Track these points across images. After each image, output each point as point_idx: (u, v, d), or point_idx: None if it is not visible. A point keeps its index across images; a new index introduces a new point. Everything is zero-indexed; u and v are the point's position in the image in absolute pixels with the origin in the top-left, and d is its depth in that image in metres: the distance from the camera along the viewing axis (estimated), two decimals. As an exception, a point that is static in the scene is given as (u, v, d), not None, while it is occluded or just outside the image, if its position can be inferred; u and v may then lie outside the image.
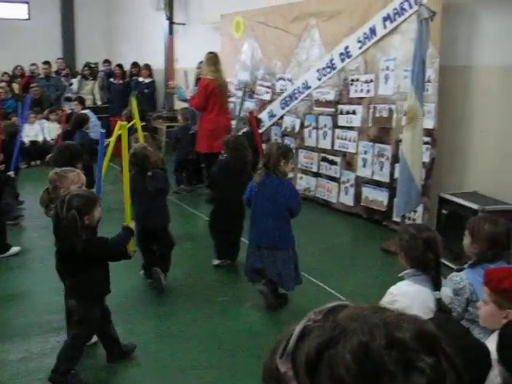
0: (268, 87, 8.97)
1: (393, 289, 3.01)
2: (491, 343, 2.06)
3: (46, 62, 13.36)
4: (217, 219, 5.48)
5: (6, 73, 13.45)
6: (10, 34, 15.52)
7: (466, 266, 3.23)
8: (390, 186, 6.75)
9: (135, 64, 13.85)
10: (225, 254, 5.59)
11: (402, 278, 3.05)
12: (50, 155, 4.99)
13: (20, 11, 16.56)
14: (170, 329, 4.44)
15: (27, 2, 16.60)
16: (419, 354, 0.71)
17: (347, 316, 0.76)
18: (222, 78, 7.85)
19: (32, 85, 12.46)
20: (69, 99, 12.63)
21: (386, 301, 2.98)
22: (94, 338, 4.01)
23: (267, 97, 8.96)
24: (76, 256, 3.47)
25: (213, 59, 7.78)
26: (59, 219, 3.52)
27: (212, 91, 7.62)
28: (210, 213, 5.72)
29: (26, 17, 16.71)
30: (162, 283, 4.94)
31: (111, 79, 13.97)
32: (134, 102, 5.96)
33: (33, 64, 13.69)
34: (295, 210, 4.59)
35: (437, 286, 2.99)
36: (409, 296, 2.92)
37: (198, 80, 9.46)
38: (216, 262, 5.61)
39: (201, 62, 12.05)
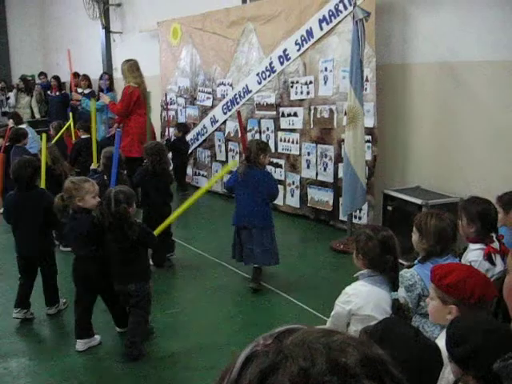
0: (209, 93, 8.94)
1: (348, 289, 3.01)
2: (441, 340, 2.08)
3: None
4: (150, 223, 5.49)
5: None
6: None
7: (416, 261, 3.27)
8: (335, 186, 6.82)
9: (76, 74, 13.57)
10: (170, 249, 6.01)
11: (356, 279, 3.06)
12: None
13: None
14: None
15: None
16: (362, 379, 0.69)
17: (292, 341, 0.74)
18: (144, 85, 7.83)
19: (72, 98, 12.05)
20: (5, 114, 12.27)
21: (340, 300, 3.00)
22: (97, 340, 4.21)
23: (208, 103, 8.92)
24: (132, 245, 3.98)
25: (134, 66, 7.75)
26: (102, 218, 3.99)
27: (137, 99, 7.63)
28: (141, 218, 5.65)
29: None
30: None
31: (48, 92, 13.66)
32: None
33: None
34: (275, 195, 5.43)
35: (394, 287, 3.01)
36: (363, 296, 2.93)
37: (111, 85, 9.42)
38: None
39: (42, 73, 12.02)
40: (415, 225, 3.31)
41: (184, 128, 9.16)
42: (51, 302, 4.86)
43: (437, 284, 2.42)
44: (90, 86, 12.96)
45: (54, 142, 7.14)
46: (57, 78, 13.85)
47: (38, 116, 13.59)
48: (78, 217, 4.14)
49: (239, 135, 8.16)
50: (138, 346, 4.08)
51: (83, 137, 7.96)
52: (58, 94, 13.51)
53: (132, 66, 7.72)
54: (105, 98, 8.44)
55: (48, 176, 5.55)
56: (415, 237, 3.29)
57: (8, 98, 13.27)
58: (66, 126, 8.38)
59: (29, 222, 4.65)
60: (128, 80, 7.71)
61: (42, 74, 14.84)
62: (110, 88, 10.44)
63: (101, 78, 12.16)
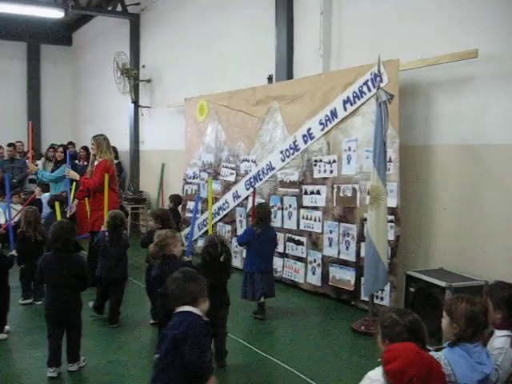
0: (232, 168, 9.05)
1: (371, 374, 2.90)
2: None
3: (11, 144, 13.31)
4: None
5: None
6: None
7: (445, 345, 3.18)
8: (357, 265, 6.74)
9: (33, 147, 13.83)
10: None
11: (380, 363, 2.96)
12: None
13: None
14: None
15: (-8, 84, 16.79)
16: None
17: None
18: (114, 160, 8.05)
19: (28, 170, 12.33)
20: (33, 181, 12.51)
21: None
22: None
23: (232, 178, 9.03)
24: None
25: (107, 142, 7.85)
26: (209, 259, 5.00)
27: (113, 174, 7.71)
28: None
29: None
30: None
31: (76, 161, 13.95)
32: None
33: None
34: (277, 245, 7.23)
35: None
36: None
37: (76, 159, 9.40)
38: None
39: (70, 143, 12.26)
40: (445, 309, 3.22)
41: (177, 199, 9.46)
42: (74, 358, 4.98)
43: (383, 368, 2.40)
44: (116, 157, 13.26)
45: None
46: (85, 148, 14.19)
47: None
48: (172, 261, 4.89)
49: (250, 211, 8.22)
50: None
51: None
52: (85, 163, 13.79)
53: (105, 142, 7.81)
54: (73, 174, 8.18)
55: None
56: (445, 321, 3.20)
57: (36, 166, 13.55)
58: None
59: (61, 283, 4.86)
60: (104, 154, 7.73)
61: (70, 143, 15.21)
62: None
63: (55, 150, 12.41)
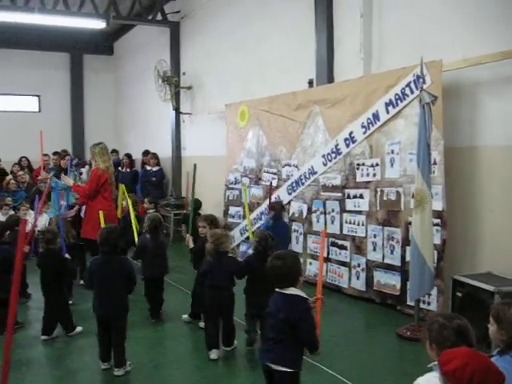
0: (274, 173, 9.06)
1: (420, 380, 2.84)
2: None
3: (56, 153, 13.62)
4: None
5: (16, 163, 13.73)
6: (21, 126, 16.02)
7: (494, 353, 3.10)
8: (402, 270, 6.66)
9: (147, 152, 14.10)
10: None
11: (430, 369, 2.90)
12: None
13: (31, 104, 17.20)
14: None
15: (38, 96, 17.21)
16: None
17: None
18: (112, 168, 8.14)
19: (39, 177, 12.61)
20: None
21: None
22: None
23: (274, 183, 9.02)
24: None
25: (104, 150, 8.00)
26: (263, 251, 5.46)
27: (105, 182, 7.81)
28: None
29: (37, 109, 17.29)
30: None
31: (119, 168, 14.21)
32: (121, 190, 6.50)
33: (45, 154, 13.95)
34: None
35: None
36: None
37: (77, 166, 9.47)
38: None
39: (114, 150, 12.34)
40: (492, 315, 3.13)
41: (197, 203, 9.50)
42: (120, 363, 5.08)
43: (440, 370, 2.37)
44: (158, 164, 13.48)
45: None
46: (129, 155, 14.45)
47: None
48: (225, 257, 5.50)
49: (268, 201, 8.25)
50: None
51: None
52: (128, 170, 14.04)
53: (103, 150, 7.97)
54: (67, 180, 8.28)
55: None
56: (493, 328, 3.11)
57: (81, 174, 13.81)
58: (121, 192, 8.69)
59: (109, 286, 5.02)
60: (97, 163, 7.90)
61: (114, 151, 15.49)
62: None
63: (63, 158, 12.63)
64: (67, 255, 6.38)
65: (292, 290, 3.69)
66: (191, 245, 6.52)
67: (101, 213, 6.89)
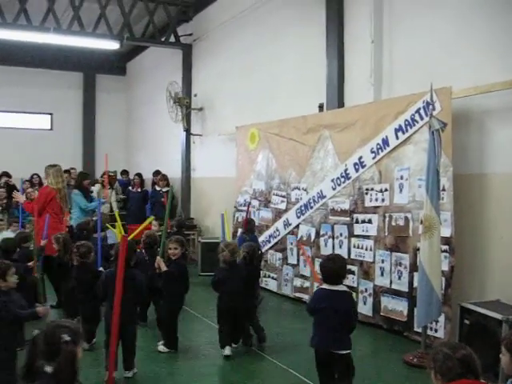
0: (283, 196, 9.08)
1: None
2: None
3: (67, 171, 13.70)
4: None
5: (27, 180, 13.82)
6: (33, 143, 16.17)
7: (508, 382, 3.07)
8: (410, 296, 6.62)
9: (157, 172, 14.18)
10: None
11: None
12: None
13: (43, 122, 17.38)
14: None
15: (51, 114, 17.40)
16: None
17: None
18: (65, 190, 8.65)
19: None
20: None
21: None
22: None
23: (282, 206, 9.04)
24: None
25: (60, 172, 8.62)
26: (249, 260, 6.40)
27: (52, 199, 8.30)
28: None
29: (49, 127, 17.47)
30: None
31: (129, 187, 14.29)
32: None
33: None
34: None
35: None
36: None
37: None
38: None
39: (124, 171, 12.54)
40: (504, 345, 3.09)
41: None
42: (130, 366, 5.39)
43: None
44: (167, 184, 13.54)
45: (131, 237, 7.41)
46: (139, 175, 14.52)
47: (116, 210, 14.10)
48: (236, 267, 6.18)
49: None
50: None
51: None
52: (139, 190, 14.11)
53: (58, 171, 8.56)
54: (19, 198, 9.05)
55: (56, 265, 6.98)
56: (505, 358, 3.06)
57: (91, 192, 13.89)
58: (147, 222, 8.70)
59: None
60: (50, 182, 8.44)
61: (124, 172, 15.63)
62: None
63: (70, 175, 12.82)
64: (101, 268, 6.57)
65: (342, 287, 4.63)
66: (164, 268, 6.12)
67: (116, 225, 7.20)
